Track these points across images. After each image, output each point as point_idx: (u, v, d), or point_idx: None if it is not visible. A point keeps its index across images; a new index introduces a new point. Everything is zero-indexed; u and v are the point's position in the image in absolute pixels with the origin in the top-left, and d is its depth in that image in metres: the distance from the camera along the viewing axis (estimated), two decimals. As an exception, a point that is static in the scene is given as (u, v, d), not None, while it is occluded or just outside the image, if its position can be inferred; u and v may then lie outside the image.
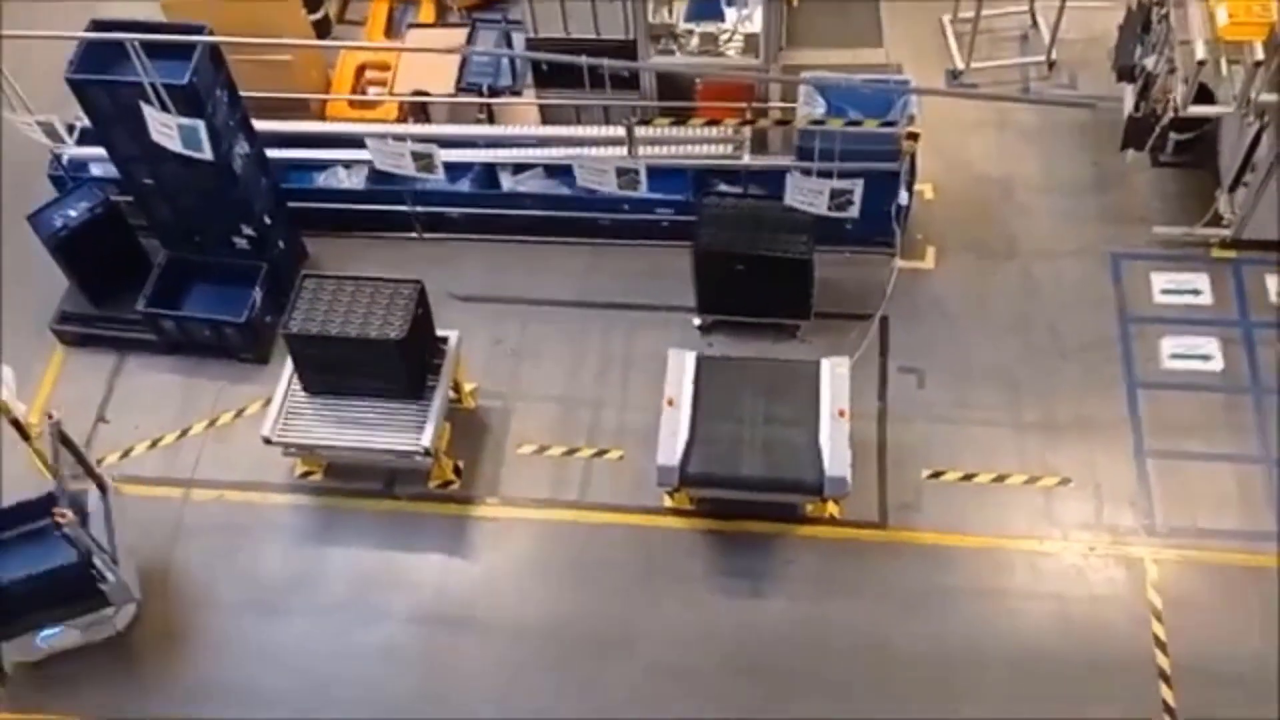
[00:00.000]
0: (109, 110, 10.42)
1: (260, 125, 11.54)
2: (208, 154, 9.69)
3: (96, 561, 9.59)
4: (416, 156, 9.73)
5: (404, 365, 10.62)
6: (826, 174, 10.17)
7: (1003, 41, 14.16)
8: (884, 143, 11.24)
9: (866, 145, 11.32)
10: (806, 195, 9.79)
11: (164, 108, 9.49)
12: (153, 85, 9.40)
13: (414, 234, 12.95)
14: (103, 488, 10.35)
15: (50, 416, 9.53)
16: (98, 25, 10.17)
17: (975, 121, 13.36)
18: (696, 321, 12.17)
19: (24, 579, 9.62)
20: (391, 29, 14.26)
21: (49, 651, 10.38)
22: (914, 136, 10.99)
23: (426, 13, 14.21)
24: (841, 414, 10.41)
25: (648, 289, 12.56)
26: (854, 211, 9.97)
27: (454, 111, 12.97)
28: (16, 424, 10.93)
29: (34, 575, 9.62)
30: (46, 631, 10.10)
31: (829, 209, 9.91)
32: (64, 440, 9.81)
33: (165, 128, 9.49)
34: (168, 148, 9.76)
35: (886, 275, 12.25)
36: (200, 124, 9.53)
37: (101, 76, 10.07)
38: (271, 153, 12.08)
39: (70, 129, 11.62)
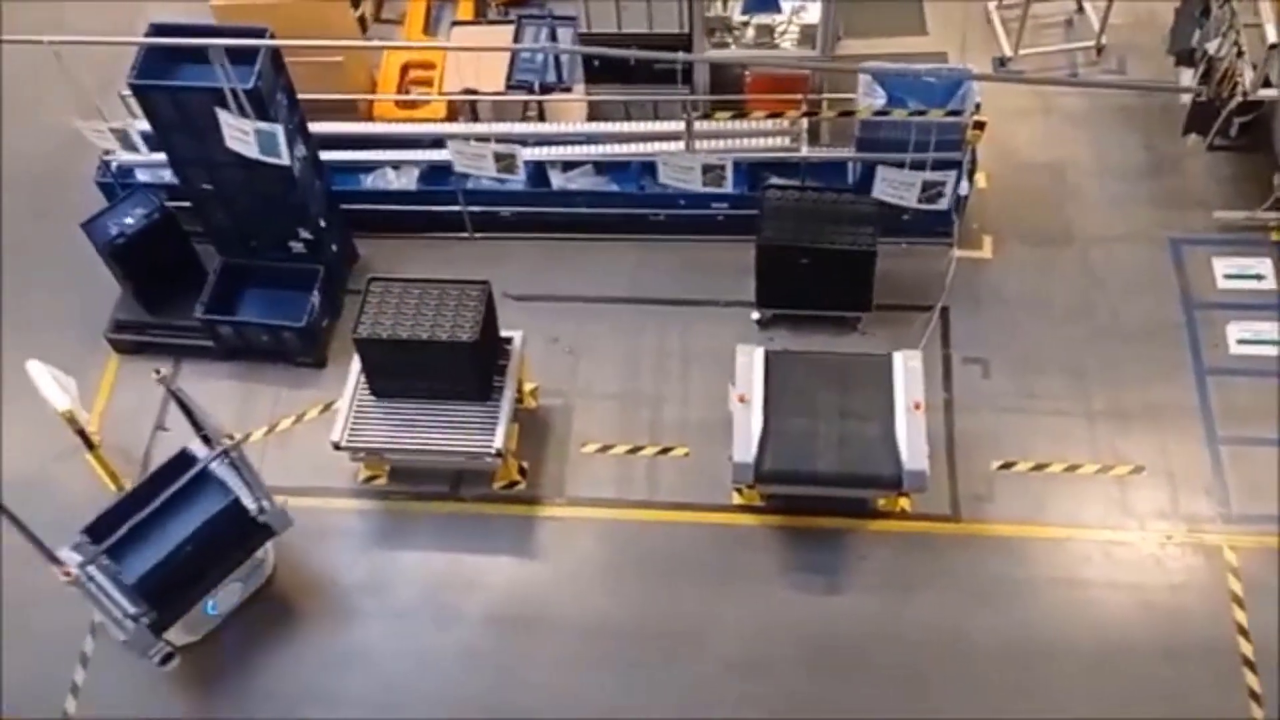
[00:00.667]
0: (171, 115, 10.31)
1: (319, 127, 11.41)
2: (285, 159, 9.59)
3: (254, 492, 9.60)
4: (499, 157, 9.62)
5: (474, 367, 10.54)
6: (919, 165, 10.08)
7: (1046, 28, 14.08)
8: (947, 132, 11.17)
9: (929, 135, 11.29)
10: (897, 188, 9.72)
11: (242, 113, 9.38)
12: (232, 90, 9.29)
13: (463, 234, 12.86)
14: (209, 441, 10.25)
15: (230, 438, 9.50)
16: (158, 29, 10.05)
17: (1022, 108, 13.28)
18: (755, 316, 12.10)
19: (190, 537, 9.55)
20: (429, 27, 14.14)
21: (216, 621, 10.42)
22: (980, 126, 10.91)
23: (465, 10, 14.06)
24: (917, 407, 10.34)
25: (702, 284, 12.48)
26: (944, 203, 9.89)
27: (499, 110, 12.87)
28: (82, 433, 10.86)
29: (198, 530, 9.56)
30: (215, 596, 10.09)
31: (919, 201, 9.83)
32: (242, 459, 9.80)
33: (242, 134, 9.38)
34: (243, 154, 9.65)
35: (945, 265, 12.21)
36: (279, 129, 9.42)
37: (167, 82, 9.96)
38: (323, 155, 11.98)
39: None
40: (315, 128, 11.45)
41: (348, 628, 10.75)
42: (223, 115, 9.48)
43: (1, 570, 10.95)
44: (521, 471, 11.41)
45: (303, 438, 11.65)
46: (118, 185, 12.33)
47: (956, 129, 11.08)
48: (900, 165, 10.08)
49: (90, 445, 11.00)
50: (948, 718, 10.07)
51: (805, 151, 11.88)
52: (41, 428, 11.23)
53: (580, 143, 12.43)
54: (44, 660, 10.70)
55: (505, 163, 9.71)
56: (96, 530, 9.70)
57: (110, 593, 9.36)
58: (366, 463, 11.31)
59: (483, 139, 9.82)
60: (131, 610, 9.53)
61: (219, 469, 9.44)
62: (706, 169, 9.68)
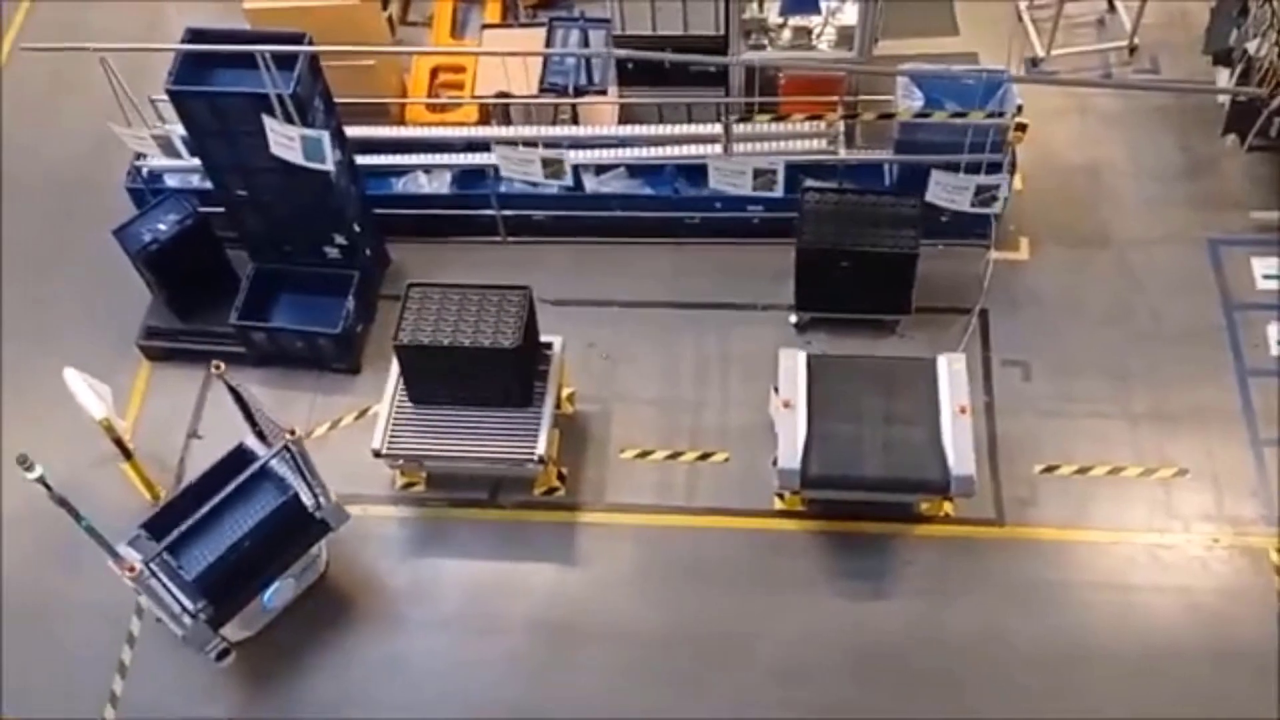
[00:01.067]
0: (208, 121, 10.21)
1: (353, 131, 11.31)
2: (330, 165, 9.49)
3: (313, 487, 9.55)
4: (546, 162, 9.53)
5: (516, 373, 10.46)
6: (974, 168, 10.01)
7: (1077, 28, 14.01)
8: (987, 134, 11.09)
9: (969, 137, 11.23)
10: (950, 191, 9.64)
11: (287, 119, 9.28)
12: (278, 96, 9.20)
13: (496, 238, 12.78)
14: (264, 438, 10.30)
15: (291, 433, 9.39)
16: (196, 35, 9.95)
17: (1056, 109, 13.21)
18: (793, 319, 12.02)
19: (249, 533, 9.52)
20: (456, 29, 14.06)
21: (271, 616, 10.36)
22: (1022, 128, 10.84)
23: (493, 11, 13.98)
24: (963, 410, 10.27)
25: (738, 287, 12.40)
26: (997, 207, 9.82)
27: (529, 113, 12.78)
28: (119, 442, 10.76)
29: (256, 525, 9.53)
30: (270, 591, 10.06)
31: (972, 204, 9.76)
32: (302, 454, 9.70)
33: (287, 139, 9.28)
34: (288, 160, 9.55)
35: (982, 267, 12.14)
36: (325, 135, 9.32)
37: (207, 88, 9.86)
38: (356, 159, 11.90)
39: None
40: (350, 132, 11.33)
41: (390, 635, 10.67)
42: (268, 121, 9.38)
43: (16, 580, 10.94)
44: (560, 478, 11.33)
45: (339, 444, 11.55)
46: (148, 191, 12.23)
47: (997, 131, 11.01)
48: (955, 168, 9.97)
49: (127, 454, 10.89)
50: (995, 723, 10.05)
51: (844, 154, 11.80)
52: (75, 436, 11.15)
53: (613, 145, 12.35)
54: (81, 670, 10.61)
55: (553, 168, 9.62)
56: (154, 526, 9.68)
57: (170, 588, 9.31)
58: (404, 470, 11.22)
59: (530, 143, 9.70)
60: (191, 606, 9.50)
61: (277, 464, 9.35)
62: (758, 173, 9.60)
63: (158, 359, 12.19)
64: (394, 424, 10.75)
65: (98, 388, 10.69)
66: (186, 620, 9.51)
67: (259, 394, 11.84)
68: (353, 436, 11.54)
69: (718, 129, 11.92)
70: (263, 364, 12.05)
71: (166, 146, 10.14)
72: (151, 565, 9.01)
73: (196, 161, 10.63)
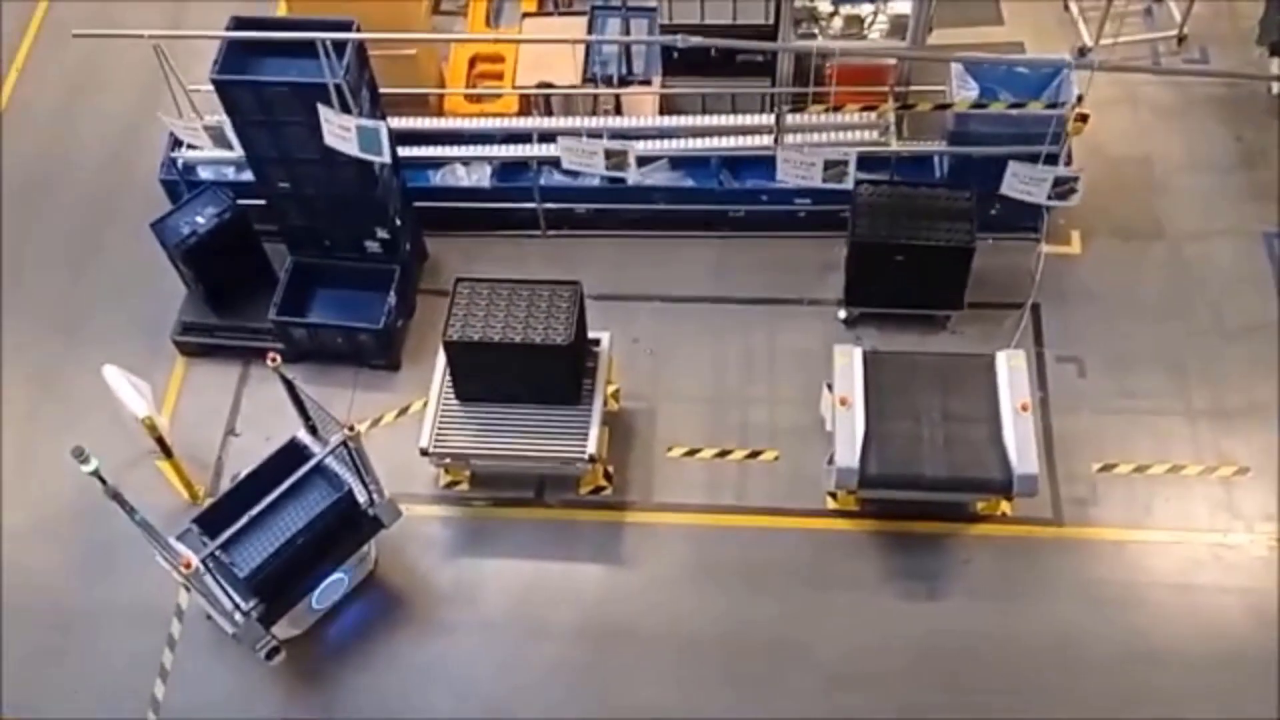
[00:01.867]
0: (252, 111, 9.95)
1: (397, 123, 11.06)
2: (387, 157, 9.23)
3: (368, 485, 9.37)
4: (610, 154, 9.27)
5: (567, 370, 10.22)
6: (1052, 159, 9.77)
7: (1123, 16, 13.73)
8: (1043, 125, 10.86)
9: (1022, 128, 11.01)
10: (1027, 183, 9.40)
11: (344, 109, 9.03)
12: (336, 86, 8.95)
13: (535, 231, 12.53)
14: (315, 432, 10.15)
15: (351, 429, 9.19)
16: (243, 23, 9.69)
17: (1107, 100, 12.90)
18: (842, 314, 11.78)
19: (303, 529, 9.32)
20: (491, 18, 13.79)
21: (320, 614, 10.20)
22: (1084, 118, 10.58)
23: (529, 0, 13.74)
24: (1024, 408, 10.04)
25: (783, 282, 12.16)
26: (1075, 200, 9.58)
27: (569, 104, 12.52)
28: (161, 441, 10.52)
29: (311, 521, 9.33)
30: (320, 589, 9.90)
31: (1049, 197, 9.51)
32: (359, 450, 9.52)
33: (342, 130, 9.02)
34: (342, 151, 9.29)
35: (1033, 261, 11.92)
36: (382, 126, 9.06)
37: (255, 77, 9.61)
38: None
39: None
40: (394, 123, 11.08)
41: (434, 637, 10.43)
42: (324, 111, 9.12)
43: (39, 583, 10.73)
44: (607, 476, 11.09)
45: (380, 442, 11.24)
46: (183, 183, 11.99)
47: (1055, 121, 10.77)
48: (1033, 160, 9.74)
49: (168, 452, 10.66)
50: (1059, 726, 9.83)
51: (896, 145, 11.55)
52: (110, 433, 10.92)
53: (657, 137, 12.09)
54: (120, 674, 10.37)
55: (616, 160, 9.37)
56: (206, 522, 9.51)
57: (222, 584, 9.15)
58: (449, 468, 10.99)
59: (594, 135, 9.45)
60: (243, 604, 9.33)
61: (330, 459, 9.14)
62: (829, 165, 9.35)
63: (193, 355, 11.94)
64: (441, 422, 10.52)
65: (138, 385, 10.46)
66: (238, 617, 9.32)
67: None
68: (394, 434, 11.30)
69: (766, 120, 11.71)
70: (300, 360, 11.76)
71: (218, 137, 9.88)
72: (206, 562, 8.79)
73: (238, 153, 10.35)
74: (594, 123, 11.83)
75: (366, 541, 9.97)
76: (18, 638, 10.56)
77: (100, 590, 10.75)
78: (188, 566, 8.60)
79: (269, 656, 9.58)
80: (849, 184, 9.67)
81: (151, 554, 9.50)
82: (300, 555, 9.38)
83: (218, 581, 9.08)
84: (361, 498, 9.58)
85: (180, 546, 9.20)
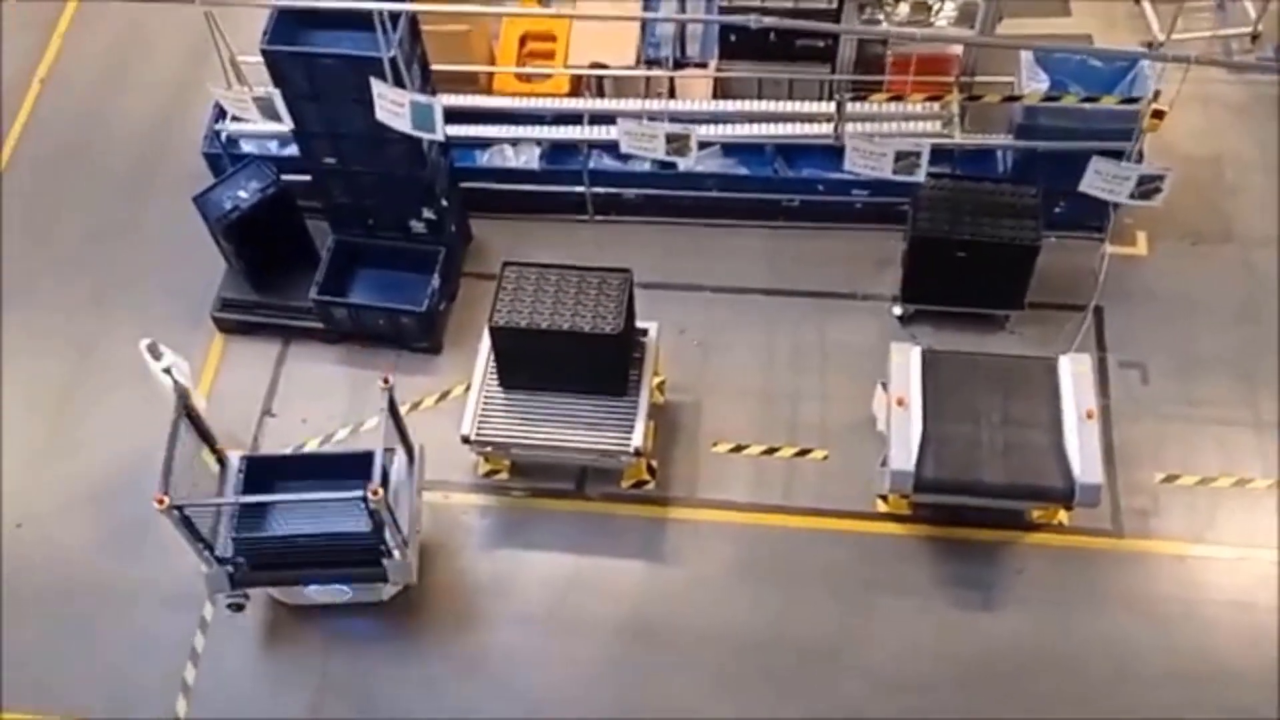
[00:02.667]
0: (301, 84, 9.68)
1: (448, 101, 10.72)
2: (440, 135, 8.94)
3: (387, 537, 9.04)
4: (671, 138, 8.95)
5: (615, 360, 9.93)
6: (1122, 156, 9.40)
7: (1194, 12, 13.28)
8: (1118, 121, 10.46)
9: (1094, 123, 10.61)
10: (1109, 181, 9.00)
11: (397, 84, 8.74)
12: (390, 60, 8.66)
13: (583, 216, 12.23)
14: (411, 455, 9.77)
15: (385, 381, 8.95)
16: (293, -8, 9.42)
17: (1180, 97, 12.43)
18: (897, 311, 11.43)
19: (312, 535, 9.09)
20: (542, -2, 13.47)
21: (314, 601, 10.00)
22: (1160, 115, 10.16)
23: (583, -21, 13.39)
24: (1089, 415, 9.66)
25: (837, 275, 11.81)
26: (1159, 200, 9.20)
27: (621, 86, 12.19)
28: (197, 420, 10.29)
29: (322, 534, 9.08)
30: (318, 586, 9.75)
31: (1131, 196, 9.13)
32: (391, 409, 9.29)
33: (396, 106, 8.73)
34: (394, 127, 9.00)
35: (1097, 262, 11.52)
36: (436, 102, 8.76)
37: (306, 48, 9.34)
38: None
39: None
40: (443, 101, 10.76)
41: (470, 630, 10.18)
42: (377, 86, 8.83)
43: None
44: (650, 470, 10.79)
45: (420, 427, 10.84)
46: (226, 156, 11.75)
47: (1131, 117, 10.36)
48: (1119, 156, 9.34)
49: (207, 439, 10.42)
50: (1114, 745, 9.51)
51: (960, 138, 11.16)
52: (145, 409, 10.71)
53: (709, 121, 11.74)
54: (151, 657, 10.18)
55: (678, 144, 9.03)
56: (248, 464, 9.68)
57: (212, 529, 9.20)
58: (489, 456, 10.72)
59: (655, 117, 9.13)
60: (222, 556, 9.31)
61: (374, 507, 8.77)
62: (900, 156, 8.98)
63: (232, 332, 11.71)
64: (483, 409, 10.24)
65: (176, 362, 10.23)
66: (214, 566, 9.33)
67: (337, 373, 11.58)
68: (434, 420, 11.03)
69: (824, 107, 11.36)
70: (340, 340, 11.57)
71: (267, 110, 9.61)
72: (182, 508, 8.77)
73: (283, 127, 10.08)
74: (647, 106, 11.51)
75: (367, 580, 9.66)
76: (49, 614, 10.39)
77: (134, 569, 10.55)
78: (160, 503, 8.55)
79: (232, 609, 9.62)
80: (920, 177, 9.30)
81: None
82: (296, 552, 9.22)
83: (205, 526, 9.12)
84: (383, 544, 9.23)
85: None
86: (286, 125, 9.85)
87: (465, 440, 10.17)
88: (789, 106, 11.46)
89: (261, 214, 10.99)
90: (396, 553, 9.23)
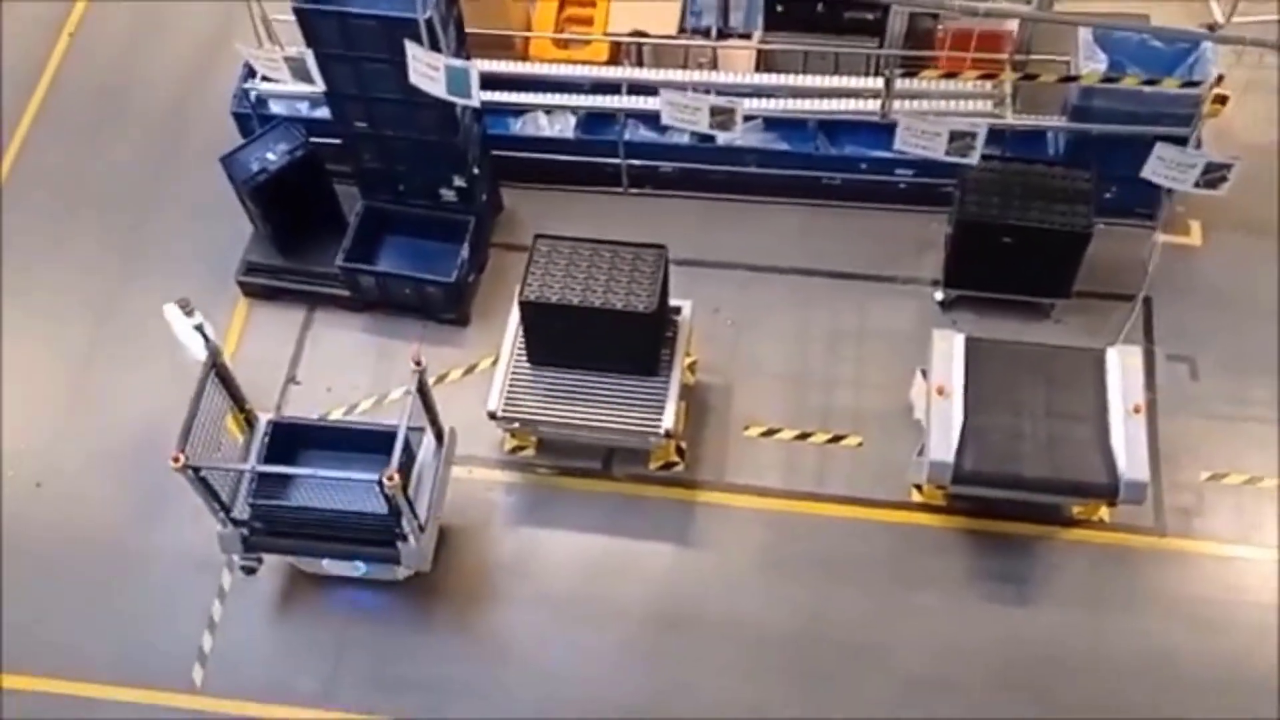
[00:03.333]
0: (334, 44, 9.39)
1: (482, 66, 10.45)
2: (475, 101, 8.64)
3: (403, 522, 8.83)
4: (715, 111, 8.61)
5: (647, 339, 9.64)
6: (1182, 142, 9.03)
7: (1255, -7, 12.84)
8: (1178, 105, 10.07)
9: (1153, 107, 10.22)
10: (1172, 168, 8.62)
11: (433, 47, 8.44)
12: (426, 21, 8.36)
13: (617, 188, 11.92)
14: (440, 437, 9.51)
15: (417, 364, 8.72)
16: (327, -51, 9.12)
17: (1237, 83, 11.91)
18: (939, 296, 11.10)
19: (327, 510, 8.89)
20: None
21: (329, 571, 9.86)
22: (1222, 100, 9.76)
23: (621, -56, 13.01)
24: (1137, 410, 9.32)
25: (877, 257, 11.47)
26: (1224, 189, 8.83)
27: (660, 55, 11.84)
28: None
29: (338, 510, 8.87)
30: (333, 560, 9.61)
31: (1195, 185, 8.76)
32: (421, 390, 9.03)
33: (430, 70, 8.43)
34: (428, 91, 8.70)
35: (1147, 251, 11.10)
36: (472, 67, 8.45)
37: (336, 8, 9.06)
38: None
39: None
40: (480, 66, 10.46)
41: (491, 611, 9.97)
42: (411, 48, 8.52)
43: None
44: (679, 452, 10.53)
45: (445, 401, 10.57)
46: (255, 117, 11.50)
47: (1191, 101, 9.96)
48: (1181, 141, 8.97)
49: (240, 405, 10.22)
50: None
51: (1011, 118, 10.78)
52: (167, 373, 10.57)
53: (751, 95, 11.39)
54: (168, 624, 10.02)
55: (722, 118, 8.69)
56: (276, 429, 9.55)
57: (231, 491, 9.11)
58: (515, 433, 10.48)
59: (702, 89, 8.81)
60: (238, 518, 9.19)
61: (390, 493, 8.55)
62: (954, 136, 8.63)
63: (257, 297, 11.48)
64: (511, 385, 9.98)
65: (204, 323, 10.00)
66: (229, 527, 9.21)
67: (363, 341, 11.35)
68: (460, 393, 10.78)
69: (871, 83, 10.99)
70: (365, 309, 11.33)
71: (299, 70, 9.33)
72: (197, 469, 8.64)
73: (314, 88, 9.80)
74: (688, 77, 11.17)
75: (381, 560, 9.44)
76: (68, 574, 10.26)
77: (155, 533, 10.40)
78: (176, 460, 8.40)
79: (244, 572, 9.54)
80: (974, 159, 8.93)
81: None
82: (309, 524, 9.06)
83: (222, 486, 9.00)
84: (398, 528, 9.01)
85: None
86: (318, 86, 9.56)
87: (492, 416, 9.92)
88: (834, 81, 11.09)
89: (289, 177, 10.73)
90: (412, 539, 9.00)
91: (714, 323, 11.17)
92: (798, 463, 10.51)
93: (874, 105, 10.78)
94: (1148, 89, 9.95)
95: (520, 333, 10.04)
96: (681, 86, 9.18)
